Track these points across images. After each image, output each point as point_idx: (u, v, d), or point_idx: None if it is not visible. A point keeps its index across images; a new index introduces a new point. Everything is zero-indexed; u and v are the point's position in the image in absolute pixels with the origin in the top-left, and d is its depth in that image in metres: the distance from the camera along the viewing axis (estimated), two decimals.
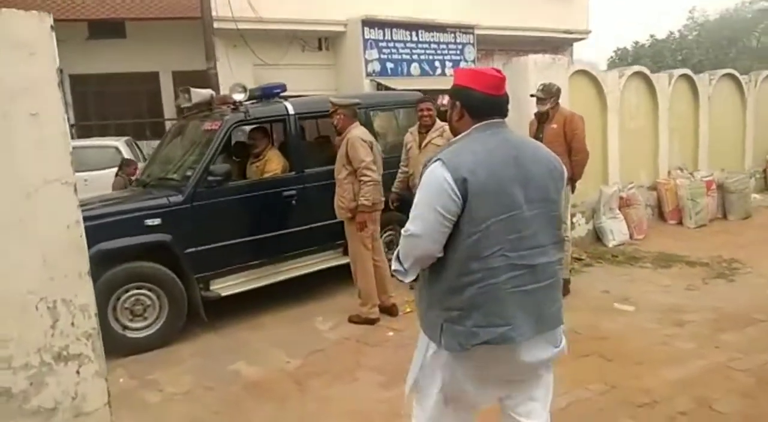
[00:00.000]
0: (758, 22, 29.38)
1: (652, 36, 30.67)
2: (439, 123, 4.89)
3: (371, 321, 4.47)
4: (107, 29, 11.73)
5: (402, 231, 1.81)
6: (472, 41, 11.61)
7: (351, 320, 4.55)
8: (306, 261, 5.14)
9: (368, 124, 5.30)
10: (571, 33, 13.39)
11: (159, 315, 4.33)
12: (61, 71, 2.51)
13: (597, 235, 6.62)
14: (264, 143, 5.19)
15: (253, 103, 5.10)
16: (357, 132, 4.32)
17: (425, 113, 4.91)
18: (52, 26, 2.39)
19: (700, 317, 4.20)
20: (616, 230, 6.54)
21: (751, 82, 9.65)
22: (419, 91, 6.34)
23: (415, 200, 1.78)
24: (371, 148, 4.32)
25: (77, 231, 2.54)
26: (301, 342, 4.20)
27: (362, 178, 4.21)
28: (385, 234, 5.36)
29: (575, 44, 14.52)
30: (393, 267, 1.88)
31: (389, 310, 4.60)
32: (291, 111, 5.10)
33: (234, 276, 4.73)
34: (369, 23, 10.21)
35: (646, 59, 26.25)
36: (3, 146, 2.32)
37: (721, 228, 7.20)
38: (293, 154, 5.15)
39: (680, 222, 7.41)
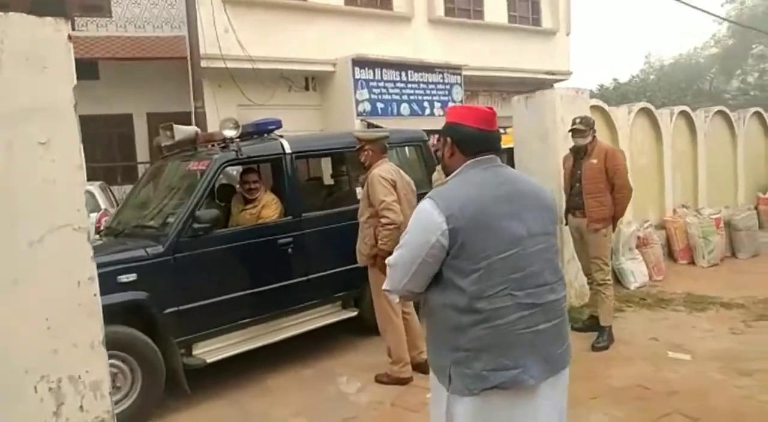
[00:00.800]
0: (710, 67, 30.90)
1: (615, 79, 31.78)
2: None
3: (403, 381, 3.95)
4: (79, 70, 11.17)
5: (387, 260, 1.82)
6: (459, 81, 11.53)
7: (379, 380, 4.01)
8: (302, 317, 4.55)
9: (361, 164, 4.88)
10: (554, 74, 13.51)
11: (132, 388, 3.59)
12: None
13: (616, 277, 6.29)
14: (259, 186, 4.64)
15: (243, 141, 4.57)
16: (379, 169, 3.89)
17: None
18: (69, 36, 1.93)
19: (765, 365, 3.85)
20: (637, 271, 6.23)
21: (740, 120, 9.74)
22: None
23: (406, 233, 1.76)
24: (394, 186, 3.89)
25: (90, 289, 2.02)
26: (328, 410, 3.66)
27: (381, 220, 3.75)
28: None
29: (555, 85, 14.68)
30: (383, 287, 1.85)
31: (421, 367, 4.08)
32: (288, 149, 4.58)
33: (220, 338, 4.07)
34: (359, 63, 10.00)
35: (613, 101, 27.03)
36: (2, 183, 1.81)
37: (735, 267, 6.99)
38: (289, 197, 4.60)
39: (691, 262, 7.18)
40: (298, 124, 10.67)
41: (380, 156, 3.99)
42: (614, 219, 4.50)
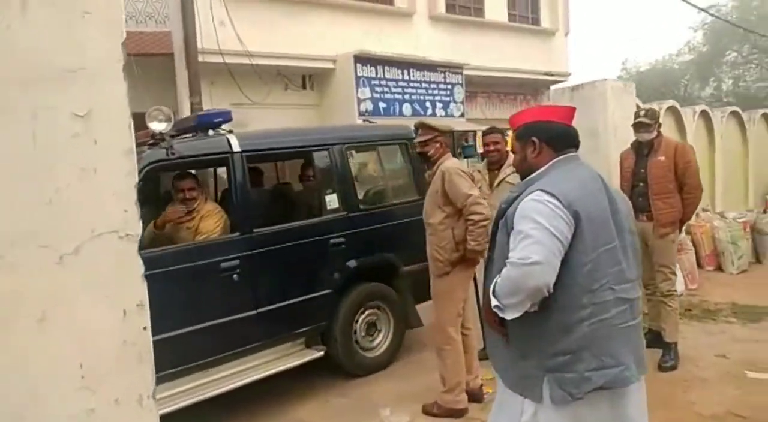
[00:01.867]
0: (684, 73, 31.35)
1: None
2: (512, 157, 4.09)
3: (458, 413, 3.43)
4: None
5: (511, 261, 1.63)
6: (461, 81, 11.09)
7: (428, 412, 3.49)
8: (251, 362, 3.66)
9: (344, 167, 4.20)
10: (553, 75, 13.20)
11: None
12: None
13: None
14: (196, 194, 3.79)
15: (183, 137, 3.83)
16: (451, 163, 3.43)
17: (491, 148, 4.12)
18: None
19: None
20: (675, 279, 5.84)
21: (750, 121, 9.55)
22: None
23: (522, 230, 1.64)
24: (473, 181, 3.45)
25: (140, 320, 1.47)
26: None
27: (471, 217, 3.25)
28: (364, 315, 4.23)
29: (552, 87, 14.41)
30: (493, 304, 1.69)
31: (475, 395, 3.58)
32: (236, 147, 3.72)
33: None
34: (361, 59, 9.47)
35: None
36: (23, 171, 1.26)
37: (766, 273, 6.69)
38: (237, 208, 3.72)
39: (718, 268, 6.88)
40: (295, 124, 10.11)
41: (446, 150, 3.51)
42: (681, 222, 4.08)
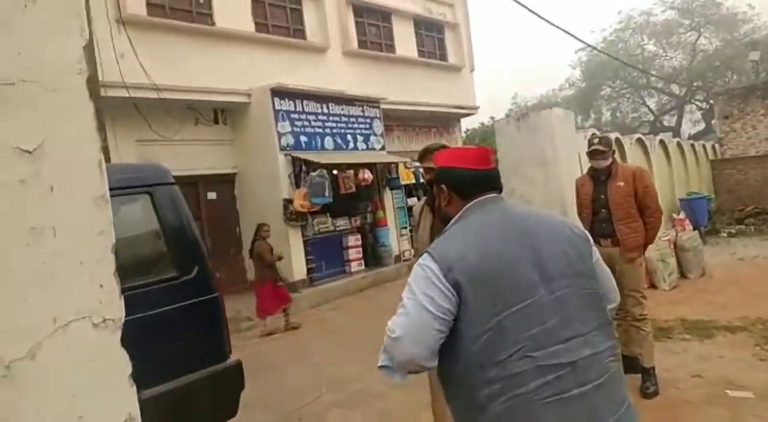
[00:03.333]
0: (567, 106, 34.09)
1: (492, 117, 33.67)
2: None
3: None
4: None
5: (387, 329, 1.46)
6: (378, 115, 10.99)
7: None
8: None
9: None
10: (463, 108, 13.55)
11: None
12: None
13: None
14: None
15: None
16: None
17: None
18: None
19: None
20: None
21: (652, 146, 10.26)
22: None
23: (402, 297, 1.48)
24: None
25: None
26: None
27: None
28: None
29: (461, 120, 14.79)
30: (379, 364, 1.50)
31: None
32: None
33: None
34: (279, 93, 9.02)
35: (493, 139, 28.51)
36: None
37: (695, 287, 6.98)
38: None
39: (652, 286, 7.07)
40: (208, 162, 9.44)
41: None
42: (645, 246, 4.04)
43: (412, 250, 2.46)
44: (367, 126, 10.73)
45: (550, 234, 1.52)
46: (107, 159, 6.41)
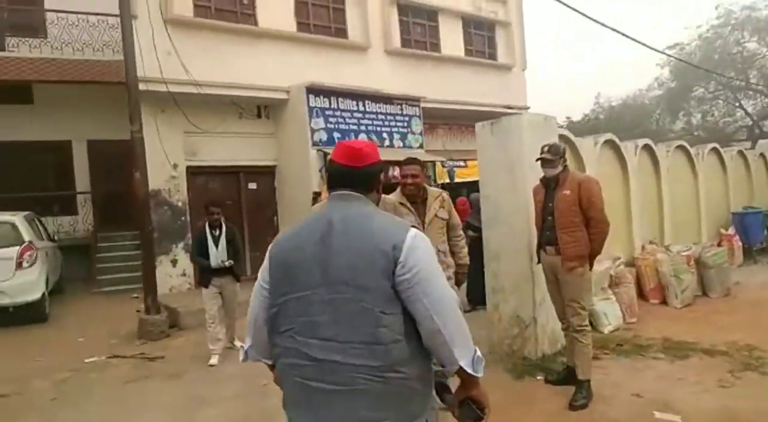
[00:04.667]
0: (654, 108, 32.08)
1: (568, 117, 32.44)
2: (432, 190, 4.04)
3: None
4: (11, 93, 10.35)
5: None
6: (418, 113, 11.16)
7: None
8: None
9: None
10: (512, 108, 13.35)
11: None
12: None
13: (588, 320, 5.81)
14: None
15: None
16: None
17: (410, 181, 3.94)
18: None
19: None
20: (611, 313, 5.78)
21: (699, 155, 9.66)
22: None
23: None
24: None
25: None
26: None
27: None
28: None
29: None
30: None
31: None
32: None
33: None
34: (314, 91, 9.48)
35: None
36: None
37: (709, 307, 6.62)
38: None
39: (663, 302, 6.80)
40: (250, 154, 10.08)
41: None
42: (590, 257, 4.02)
43: None
44: (405, 124, 10.93)
45: (347, 243, 1.58)
46: (141, 152, 7.08)
